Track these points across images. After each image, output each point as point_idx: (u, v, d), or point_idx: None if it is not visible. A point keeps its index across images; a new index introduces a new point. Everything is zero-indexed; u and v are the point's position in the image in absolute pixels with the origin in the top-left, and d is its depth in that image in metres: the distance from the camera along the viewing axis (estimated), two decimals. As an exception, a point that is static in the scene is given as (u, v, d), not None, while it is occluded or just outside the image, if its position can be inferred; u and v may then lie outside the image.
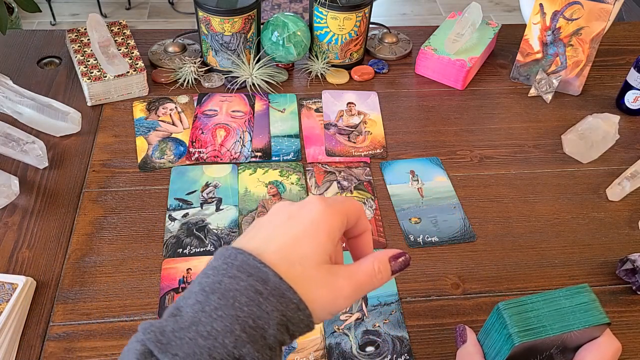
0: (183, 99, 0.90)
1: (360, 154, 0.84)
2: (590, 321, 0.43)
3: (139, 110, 0.88)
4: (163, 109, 0.88)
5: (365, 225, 0.43)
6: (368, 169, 0.81)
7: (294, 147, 0.84)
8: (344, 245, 0.46)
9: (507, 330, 0.43)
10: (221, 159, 0.81)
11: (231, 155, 0.82)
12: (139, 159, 0.81)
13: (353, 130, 0.87)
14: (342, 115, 0.89)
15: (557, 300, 0.44)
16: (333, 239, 0.38)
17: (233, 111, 0.89)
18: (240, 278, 0.34)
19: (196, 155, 0.82)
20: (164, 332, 0.33)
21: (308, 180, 0.79)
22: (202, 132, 0.85)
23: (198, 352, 0.32)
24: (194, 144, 0.83)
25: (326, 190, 0.78)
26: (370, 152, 0.84)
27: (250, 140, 0.84)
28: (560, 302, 0.44)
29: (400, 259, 0.42)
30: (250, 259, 0.35)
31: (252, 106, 0.90)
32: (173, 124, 0.86)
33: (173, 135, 0.85)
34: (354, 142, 0.85)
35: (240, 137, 0.84)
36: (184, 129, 0.85)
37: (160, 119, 0.87)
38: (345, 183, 0.79)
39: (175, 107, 0.89)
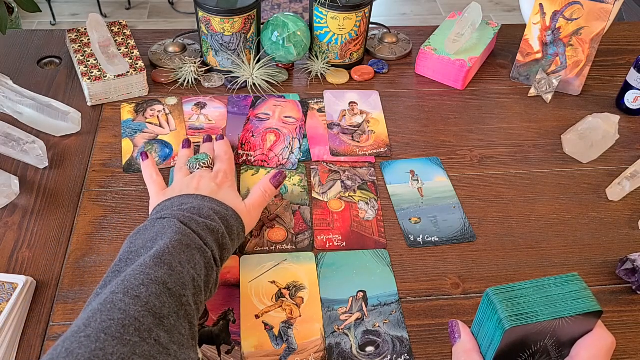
0: (171, 100, 0.90)
1: (364, 153, 0.84)
2: (581, 308, 0.43)
3: (126, 112, 0.88)
4: (151, 110, 0.88)
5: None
6: (372, 169, 0.81)
7: (302, 147, 0.84)
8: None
9: (497, 316, 0.43)
10: (268, 164, 0.81)
11: (278, 161, 0.81)
12: (124, 161, 0.80)
13: (356, 130, 0.87)
14: (344, 115, 0.89)
15: (547, 288, 0.44)
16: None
17: (285, 117, 0.88)
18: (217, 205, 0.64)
19: (244, 157, 0.81)
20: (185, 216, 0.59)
21: (312, 178, 0.79)
22: (253, 135, 0.84)
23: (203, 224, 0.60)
24: (243, 146, 0.83)
25: (329, 189, 0.78)
26: (374, 150, 0.84)
27: (299, 148, 0.83)
28: (551, 290, 0.44)
29: (277, 176, 0.71)
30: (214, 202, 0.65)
31: (305, 113, 0.89)
32: (160, 125, 0.86)
33: (159, 137, 0.84)
34: (358, 142, 0.85)
35: (290, 144, 0.84)
36: (170, 130, 0.85)
37: (147, 120, 0.86)
38: (349, 183, 0.79)
39: (164, 109, 0.88)
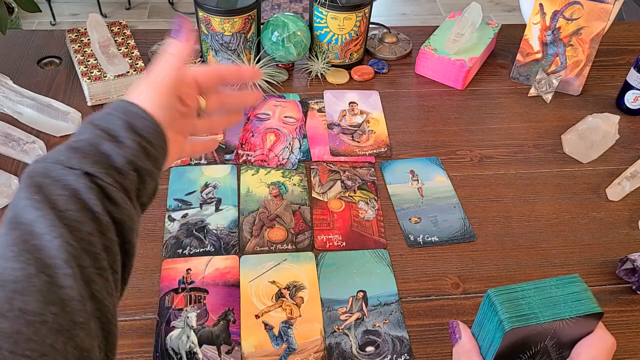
0: None
1: (364, 153, 0.84)
2: (581, 310, 0.43)
3: None
4: None
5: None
6: (372, 169, 0.81)
7: (302, 148, 0.84)
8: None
9: (498, 317, 0.43)
10: (268, 164, 0.81)
11: (278, 161, 0.81)
12: None
13: (356, 130, 0.87)
14: (344, 115, 0.89)
15: (548, 289, 0.44)
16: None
17: (285, 117, 0.88)
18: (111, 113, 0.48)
19: (244, 157, 0.81)
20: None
21: (312, 178, 0.79)
22: (253, 135, 0.84)
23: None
24: (243, 146, 0.83)
25: (329, 189, 0.78)
26: (374, 150, 0.84)
27: (299, 148, 0.83)
28: (551, 291, 0.44)
29: (177, 23, 0.53)
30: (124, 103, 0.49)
31: (305, 113, 0.89)
32: None
33: None
34: (358, 142, 0.85)
35: (290, 144, 0.84)
36: None
37: None
38: (349, 182, 0.79)
39: None
